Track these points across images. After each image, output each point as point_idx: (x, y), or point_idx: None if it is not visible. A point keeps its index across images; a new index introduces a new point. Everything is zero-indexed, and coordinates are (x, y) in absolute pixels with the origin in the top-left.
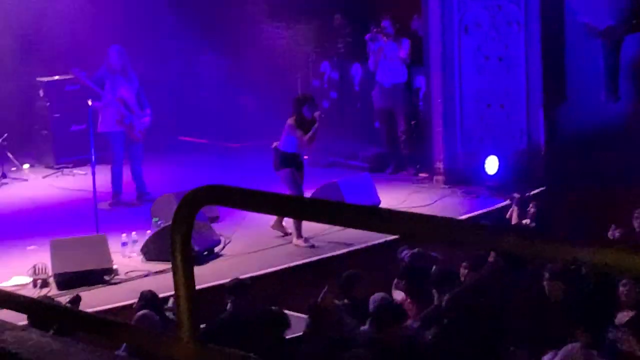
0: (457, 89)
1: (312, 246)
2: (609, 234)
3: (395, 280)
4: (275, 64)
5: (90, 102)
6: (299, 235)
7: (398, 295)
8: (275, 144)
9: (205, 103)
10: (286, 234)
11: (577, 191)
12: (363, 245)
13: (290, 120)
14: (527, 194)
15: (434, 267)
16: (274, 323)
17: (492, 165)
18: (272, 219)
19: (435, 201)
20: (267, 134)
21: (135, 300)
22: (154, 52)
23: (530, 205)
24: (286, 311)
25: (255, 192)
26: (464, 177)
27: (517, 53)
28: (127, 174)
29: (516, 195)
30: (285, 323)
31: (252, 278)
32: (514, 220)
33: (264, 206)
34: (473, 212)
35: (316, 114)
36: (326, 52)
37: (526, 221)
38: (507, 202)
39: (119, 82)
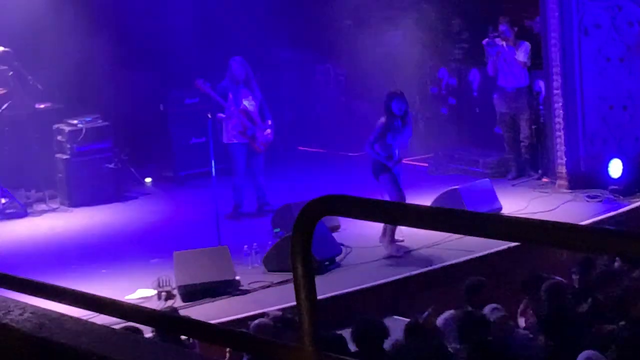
0: (578, 92)
1: (398, 256)
2: None
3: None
4: (393, 72)
5: (209, 115)
6: (392, 241)
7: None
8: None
9: (323, 112)
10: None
11: None
12: (484, 253)
13: (381, 120)
14: None
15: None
16: (373, 332)
17: (616, 168)
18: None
19: (558, 206)
20: None
21: (258, 310)
22: (271, 63)
23: None
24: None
25: (374, 202)
26: (587, 181)
27: (639, 53)
28: (248, 184)
29: None
30: (385, 333)
31: (372, 287)
32: None
33: (384, 216)
34: (597, 216)
35: (407, 117)
36: (443, 58)
37: None
38: (632, 205)
39: (242, 93)
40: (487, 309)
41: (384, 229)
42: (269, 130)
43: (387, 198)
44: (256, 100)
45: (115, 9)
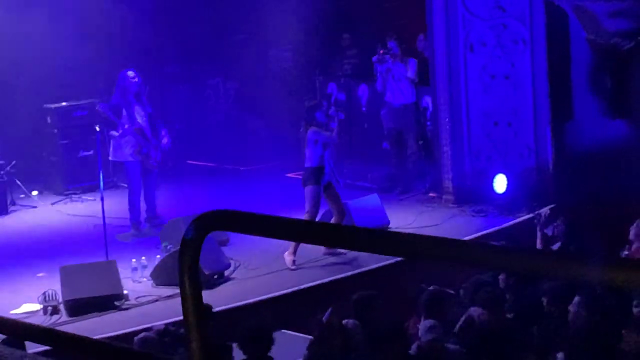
0: (464, 108)
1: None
2: (624, 253)
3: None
4: (282, 87)
5: (97, 128)
6: (293, 253)
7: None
8: (290, 174)
9: (213, 126)
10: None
11: (586, 208)
12: (371, 267)
13: (311, 130)
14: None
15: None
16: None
17: (500, 183)
18: (282, 242)
19: (444, 221)
20: (275, 157)
21: (146, 325)
22: (161, 77)
23: (558, 221)
24: (289, 332)
25: (263, 217)
26: (472, 196)
27: (524, 71)
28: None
29: (543, 211)
30: (270, 340)
31: (260, 302)
32: (539, 239)
33: (272, 231)
34: (482, 231)
35: (331, 111)
36: (333, 73)
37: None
38: (516, 220)
39: (135, 108)
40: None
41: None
42: (165, 141)
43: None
44: (147, 115)
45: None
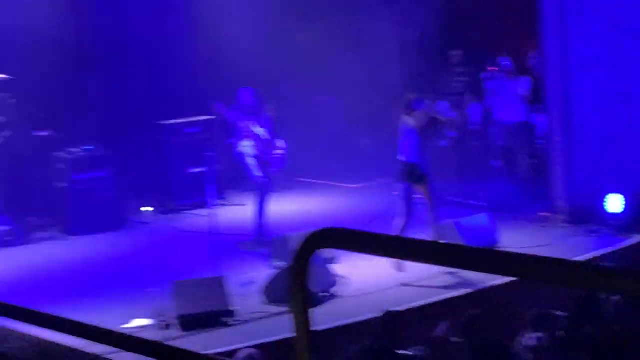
0: (578, 126)
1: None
2: None
3: None
4: (392, 104)
5: (211, 145)
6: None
7: None
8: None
9: (323, 144)
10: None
11: None
12: (482, 287)
13: (405, 119)
14: None
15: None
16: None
17: (615, 203)
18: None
19: (557, 241)
20: (385, 175)
21: (254, 342)
22: (273, 95)
23: None
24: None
25: (370, 235)
26: (586, 215)
27: (639, 88)
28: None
29: None
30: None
31: (368, 319)
32: None
33: (379, 249)
34: (596, 251)
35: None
36: (442, 91)
37: None
38: (632, 241)
39: (252, 123)
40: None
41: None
42: (280, 151)
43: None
44: (266, 128)
45: (113, 39)
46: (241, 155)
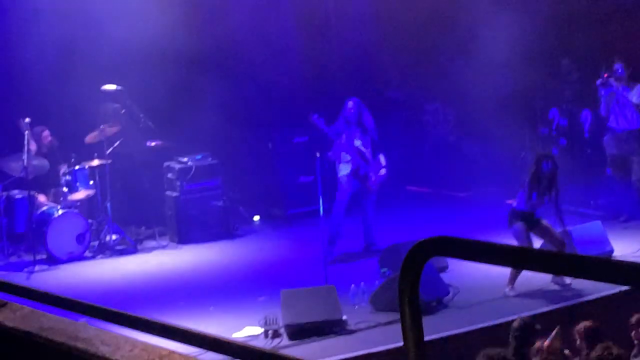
0: None
1: (518, 295)
2: None
3: None
4: (502, 112)
5: (318, 154)
6: (511, 283)
7: None
8: (510, 201)
9: (432, 152)
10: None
11: None
12: (596, 296)
13: (529, 176)
14: None
15: None
16: None
17: None
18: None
19: None
20: (494, 183)
21: (365, 351)
22: (380, 103)
23: None
24: None
25: (483, 243)
26: None
27: None
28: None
29: None
30: None
31: (481, 328)
32: None
33: (491, 257)
34: None
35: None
36: (554, 99)
37: None
38: None
39: (354, 133)
40: None
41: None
42: (383, 170)
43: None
44: (369, 140)
45: (222, 48)
46: (337, 170)
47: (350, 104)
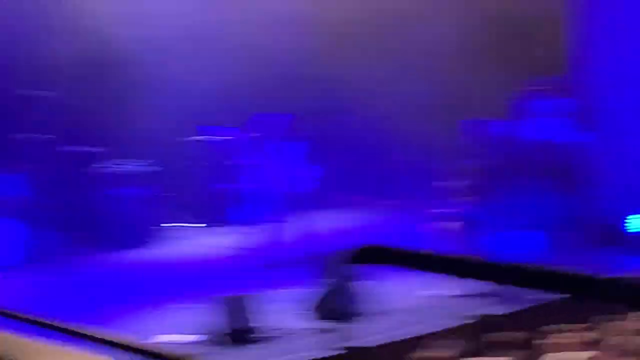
0: (619, 145)
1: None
2: None
3: None
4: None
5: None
6: None
7: None
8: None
9: (364, 160)
10: None
11: None
12: (525, 306)
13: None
14: None
15: None
16: None
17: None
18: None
19: (600, 261)
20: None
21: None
22: (321, 111)
23: None
24: None
25: (413, 252)
26: (608, 235)
27: None
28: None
29: None
30: None
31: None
32: None
33: (422, 265)
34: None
35: None
36: (481, 111)
37: None
38: None
39: (284, 145)
40: None
41: None
42: (314, 182)
43: None
44: (300, 152)
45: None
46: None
47: (277, 116)
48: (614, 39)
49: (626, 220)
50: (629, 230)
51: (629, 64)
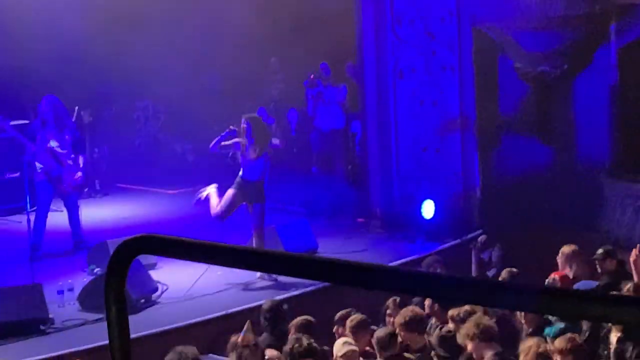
0: (393, 134)
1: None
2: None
3: None
4: (212, 110)
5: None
6: None
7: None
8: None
9: (143, 150)
10: None
11: (513, 234)
12: (299, 292)
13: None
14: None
15: None
16: None
17: (428, 209)
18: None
19: (372, 246)
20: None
21: (71, 349)
22: (88, 99)
23: (495, 247)
24: (216, 356)
25: (188, 241)
26: (401, 221)
27: (452, 97)
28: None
29: (480, 236)
30: None
31: (188, 325)
32: (474, 265)
33: (197, 255)
34: (410, 256)
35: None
36: (261, 98)
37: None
38: (444, 245)
39: (50, 133)
40: None
41: None
42: (79, 173)
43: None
44: (67, 140)
45: None
46: (34, 173)
47: (44, 102)
48: (387, 32)
49: (421, 206)
50: (423, 216)
51: (400, 57)
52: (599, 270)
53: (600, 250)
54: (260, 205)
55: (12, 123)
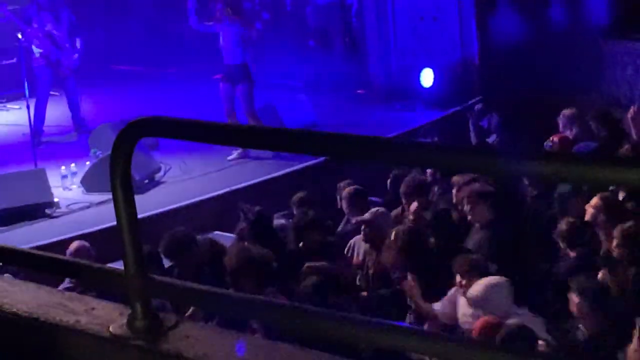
0: (390, 4)
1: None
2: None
3: None
4: None
5: (20, 36)
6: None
7: None
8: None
9: (137, 30)
10: None
11: (512, 100)
12: (302, 166)
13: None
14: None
15: None
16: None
17: (427, 77)
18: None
19: (373, 117)
20: (201, 59)
21: (77, 232)
22: None
23: (493, 114)
24: (221, 232)
25: (191, 122)
26: (400, 91)
27: None
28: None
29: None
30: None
31: (192, 203)
32: (473, 132)
33: (202, 136)
34: (411, 126)
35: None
36: None
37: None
38: (445, 113)
39: (46, 18)
40: None
41: None
42: (76, 55)
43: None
44: (63, 24)
45: None
46: (32, 58)
47: None
48: None
49: (420, 76)
50: (422, 85)
51: None
52: (595, 131)
53: (594, 111)
54: (244, 86)
55: (9, 8)
